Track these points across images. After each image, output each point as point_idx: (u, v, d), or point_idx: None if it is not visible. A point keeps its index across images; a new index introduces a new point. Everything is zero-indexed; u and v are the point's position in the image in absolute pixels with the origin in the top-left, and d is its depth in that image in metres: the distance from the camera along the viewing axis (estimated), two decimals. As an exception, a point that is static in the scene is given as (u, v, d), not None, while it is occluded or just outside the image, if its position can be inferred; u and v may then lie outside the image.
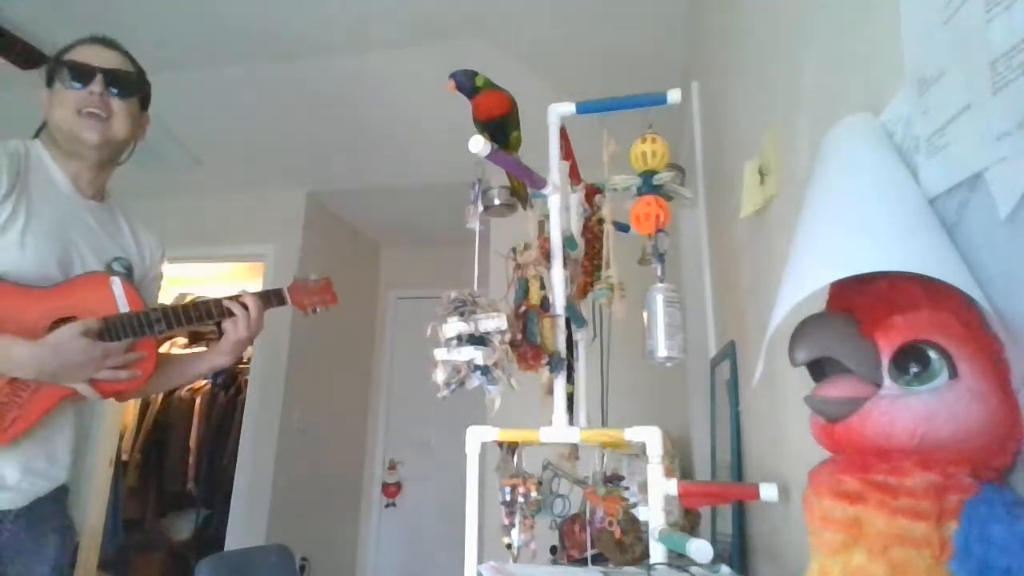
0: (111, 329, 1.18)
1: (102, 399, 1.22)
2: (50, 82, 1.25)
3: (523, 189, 1.12)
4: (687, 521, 1.31)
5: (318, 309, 1.48)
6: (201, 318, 1.30)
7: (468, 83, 1.03)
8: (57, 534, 1.20)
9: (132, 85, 1.29)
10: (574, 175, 1.13)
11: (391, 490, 4.25)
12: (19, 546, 1.12)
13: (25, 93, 2.38)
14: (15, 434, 1.10)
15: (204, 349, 1.45)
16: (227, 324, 1.34)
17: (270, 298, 1.40)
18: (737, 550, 1.21)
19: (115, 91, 1.24)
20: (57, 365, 1.10)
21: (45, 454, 1.16)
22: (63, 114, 1.21)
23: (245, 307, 1.34)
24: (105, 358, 1.16)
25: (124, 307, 1.23)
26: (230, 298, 1.34)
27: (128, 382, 1.22)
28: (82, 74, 1.22)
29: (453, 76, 1.03)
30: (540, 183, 1.00)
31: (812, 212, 0.53)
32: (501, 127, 1.05)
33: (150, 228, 1.41)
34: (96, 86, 1.22)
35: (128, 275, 1.29)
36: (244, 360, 3.86)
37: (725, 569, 0.81)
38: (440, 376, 0.85)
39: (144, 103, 1.34)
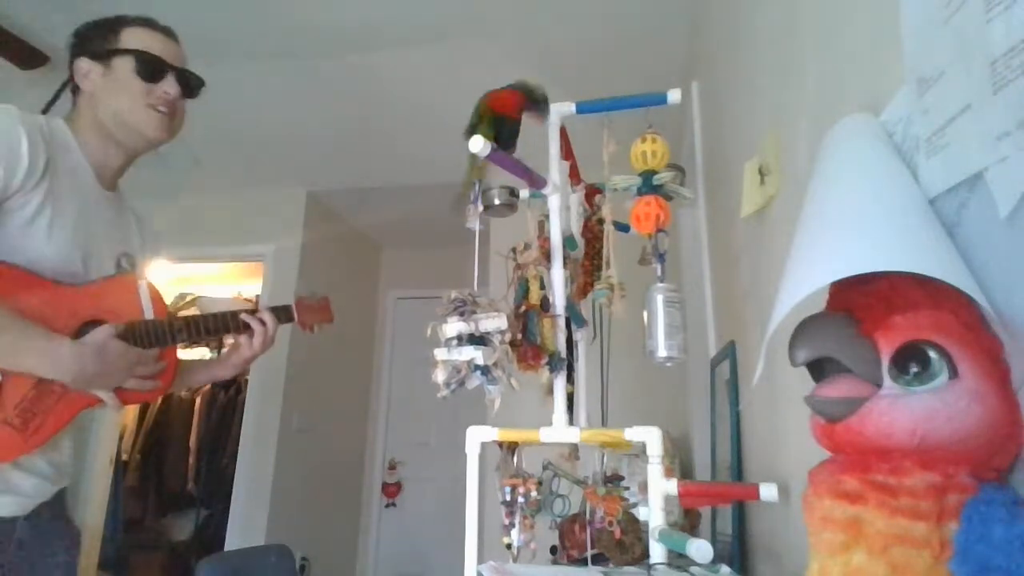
0: (136, 335, 1.13)
1: (122, 408, 1.15)
2: (104, 58, 1.15)
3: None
4: (687, 521, 1.31)
5: (315, 328, 1.48)
6: (220, 331, 1.28)
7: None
8: (65, 535, 1.17)
9: (196, 88, 1.25)
10: (574, 175, 1.13)
11: (391, 490, 4.25)
12: (30, 550, 1.09)
13: (25, 93, 2.38)
14: (38, 442, 1.03)
15: (207, 359, 1.46)
16: (243, 339, 1.32)
17: (280, 316, 1.38)
18: (737, 550, 1.21)
19: (180, 91, 1.20)
20: (96, 369, 1.04)
21: (53, 459, 1.12)
22: (128, 104, 1.14)
23: (263, 323, 1.32)
24: (137, 365, 1.12)
25: (149, 313, 1.18)
26: (248, 312, 1.32)
27: (148, 393, 1.18)
28: (155, 70, 1.16)
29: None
30: (540, 183, 1.00)
31: (812, 212, 0.52)
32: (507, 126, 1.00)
33: (149, 225, 1.36)
34: (171, 87, 1.18)
35: (133, 272, 1.24)
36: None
37: (725, 569, 0.81)
38: (440, 376, 0.85)
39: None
